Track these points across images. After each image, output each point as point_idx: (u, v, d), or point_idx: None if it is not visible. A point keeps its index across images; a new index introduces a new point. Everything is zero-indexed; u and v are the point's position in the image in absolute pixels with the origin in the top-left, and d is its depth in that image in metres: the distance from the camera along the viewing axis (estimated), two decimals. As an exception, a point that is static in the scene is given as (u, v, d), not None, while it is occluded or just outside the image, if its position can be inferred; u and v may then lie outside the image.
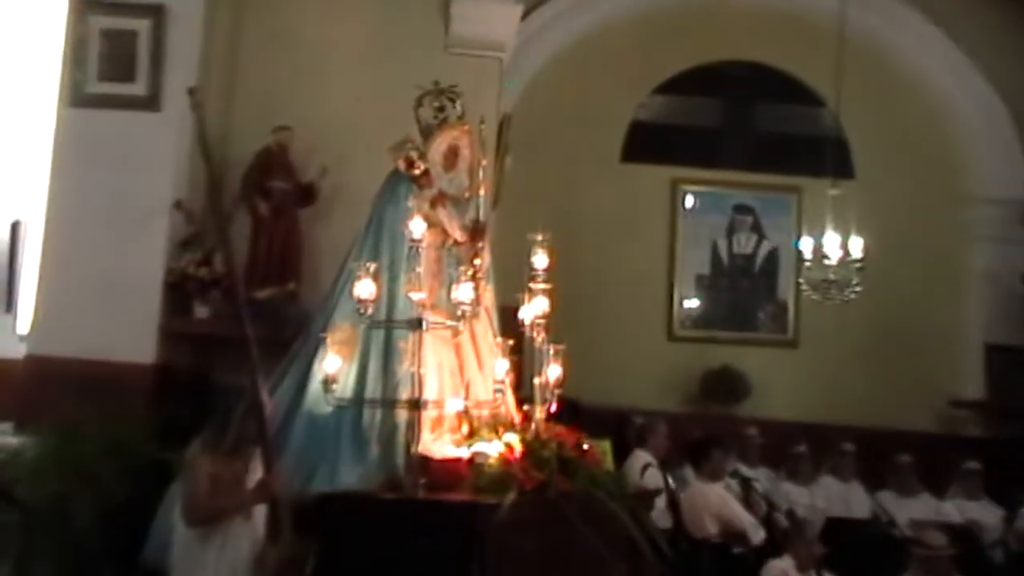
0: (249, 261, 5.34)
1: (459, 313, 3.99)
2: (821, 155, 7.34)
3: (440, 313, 4.21)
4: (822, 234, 6.79)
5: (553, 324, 4.26)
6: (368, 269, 3.93)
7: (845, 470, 6.78)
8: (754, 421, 7.24)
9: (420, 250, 3.95)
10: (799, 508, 6.33)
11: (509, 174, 6.20)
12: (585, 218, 7.67)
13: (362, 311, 3.92)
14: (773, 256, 8.10)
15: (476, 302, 4.16)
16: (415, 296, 3.96)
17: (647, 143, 8.03)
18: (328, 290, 4.50)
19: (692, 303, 8.04)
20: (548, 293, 4.21)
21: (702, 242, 8.04)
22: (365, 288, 3.90)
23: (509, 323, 4.35)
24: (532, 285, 4.22)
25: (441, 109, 4.55)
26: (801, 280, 7.05)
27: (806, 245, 6.93)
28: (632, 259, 7.82)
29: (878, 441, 7.03)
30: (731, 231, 8.11)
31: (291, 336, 4.58)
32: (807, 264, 6.91)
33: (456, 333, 4.24)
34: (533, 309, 4.21)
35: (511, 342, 4.09)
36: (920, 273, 7.83)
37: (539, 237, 4.22)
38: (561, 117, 7.79)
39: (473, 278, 4.12)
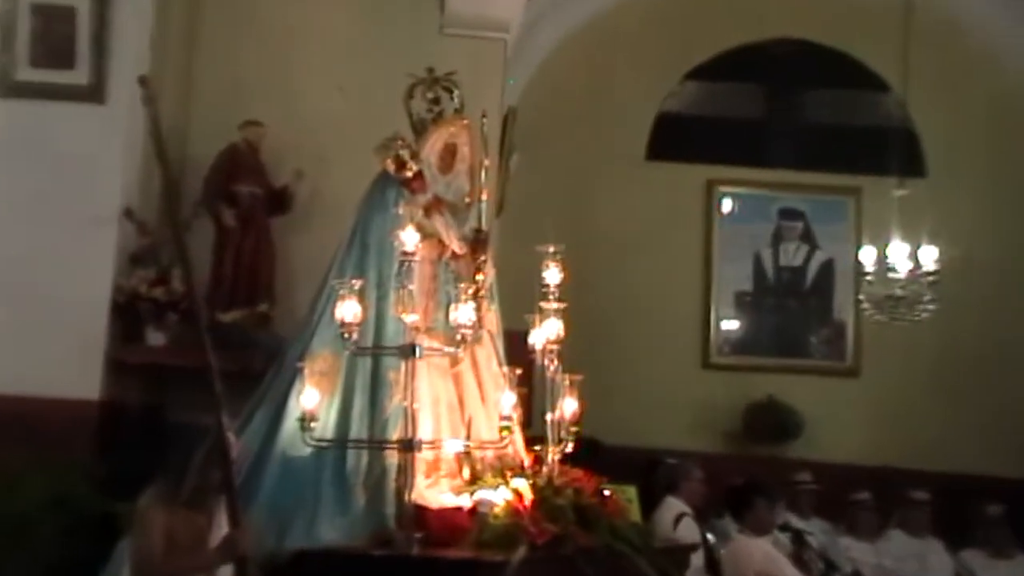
0: (212, 279, 5.42)
1: (458, 338, 4.05)
2: (885, 149, 7.40)
3: (436, 338, 4.28)
4: (886, 243, 6.83)
5: (568, 350, 4.33)
6: (352, 287, 4.00)
7: (918, 523, 6.79)
8: (807, 464, 7.30)
9: (413, 265, 4.00)
10: (863, 567, 6.36)
11: (515, 176, 6.30)
12: (604, 227, 7.77)
13: (345, 336, 3.98)
14: (827, 269, 8.17)
15: (478, 325, 4.22)
16: (407, 319, 4.02)
17: (677, 138, 8.13)
18: (305, 312, 4.57)
19: (731, 325, 8.11)
20: (562, 314, 4.28)
21: (743, 253, 8.13)
22: (349, 310, 3.96)
23: (517, 350, 4.43)
24: (543, 305, 4.28)
25: (436, 101, 4.65)
26: (861, 297, 7.09)
27: (867, 256, 6.97)
28: (660, 274, 7.90)
29: (958, 489, 7.04)
30: (777, 240, 8.19)
31: (262, 366, 4.66)
32: (869, 278, 6.95)
33: (455, 361, 4.32)
34: (545, 333, 4.27)
35: (519, 372, 4.13)
36: (1005, 288, 7.86)
37: (551, 249, 4.30)
38: (575, 109, 7.90)
39: (474, 297, 4.19)
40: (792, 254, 8.20)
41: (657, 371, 7.71)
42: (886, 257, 6.83)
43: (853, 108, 8.25)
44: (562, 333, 4.26)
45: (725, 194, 8.15)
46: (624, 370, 7.43)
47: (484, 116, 4.66)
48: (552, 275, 4.28)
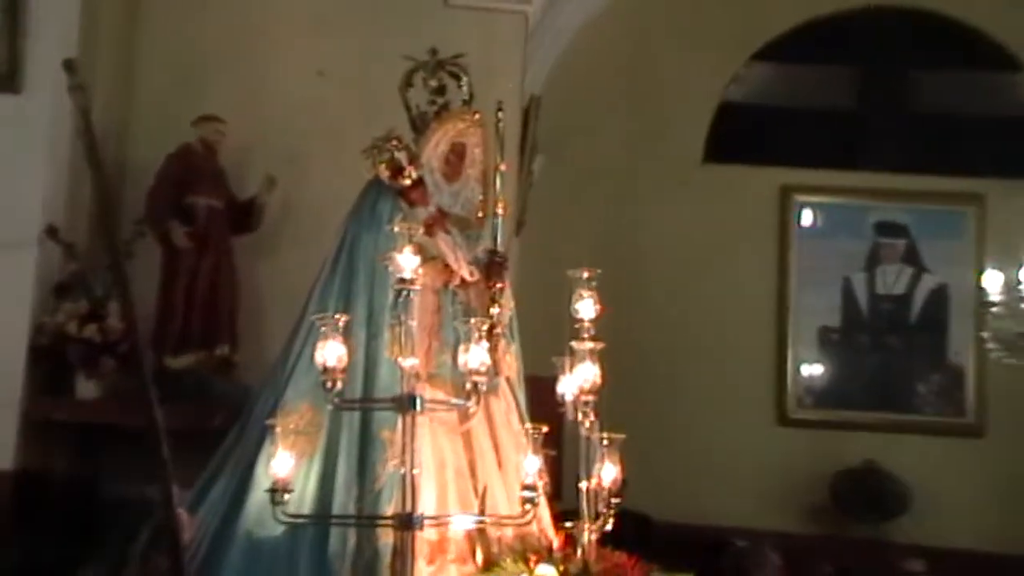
0: (159, 315, 5.49)
1: (469, 387, 3.98)
2: (1015, 146, 7.41)
3: (441, 387, 4.35)
4: (1018, 264, 6.80)
5: (608, 402, 4.32)
6: (336, 324, 3.96)
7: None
8: (918, 549, 7.28)
9: (412, 296, 3.95)
10: None
11: (539, 183, 6.33)
12: (652, 247, 7.84)
13: (328, 385, 3.92)
14: (940, 298, 8.18)
15: (493, 371, 4.26)
16: (405, 363, 3.97)
17: (744, 134, 8.20)
18: (278, 356, 4.63)
19: (815, 370, 8.14)
20: (599, 356, 4.26)
21: (829, 279, 8.16)
22: (332, 352, 3.91)
23: (543, 401, 4.45)
24: (575, 345, 4.26)
25: (440, 90, 4.74)
26: (986, 334, 7.04)
27: (992, 281, 6.94)
28: (723, 305, 7.95)
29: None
30: (873, 262, 8.22)
31: (222, 424, 4.74)
32: (994, 310, 6.93)
33: (465, 417, 4.34)
34: (577, 380, 4.26)
35: (546, 429, 4.11)
36: None
37: (584, 275, 4.27)
38: (614, 99, 7.97)
39: (489, 335, 4.17)
40: (893, 279, 8.21)
41: (721, 428, 7.73)
42: (1018, 283, 6.80)
43: (973, 93, 8.27)
44: (599, 380, 4.25)
45: (805, 204, 8.20)
46: (679, 427, 7.47)
47: (500, 109, 4.74)
48: (586, 307, 4.25)
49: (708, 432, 7.70)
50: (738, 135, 8.21)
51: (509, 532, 4.27)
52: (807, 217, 8.23)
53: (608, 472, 4.27)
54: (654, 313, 7.62)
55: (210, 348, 5.50)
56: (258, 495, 4.20)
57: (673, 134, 8.13)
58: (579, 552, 4.22)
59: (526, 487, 4.01)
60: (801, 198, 8.20)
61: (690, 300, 7.88)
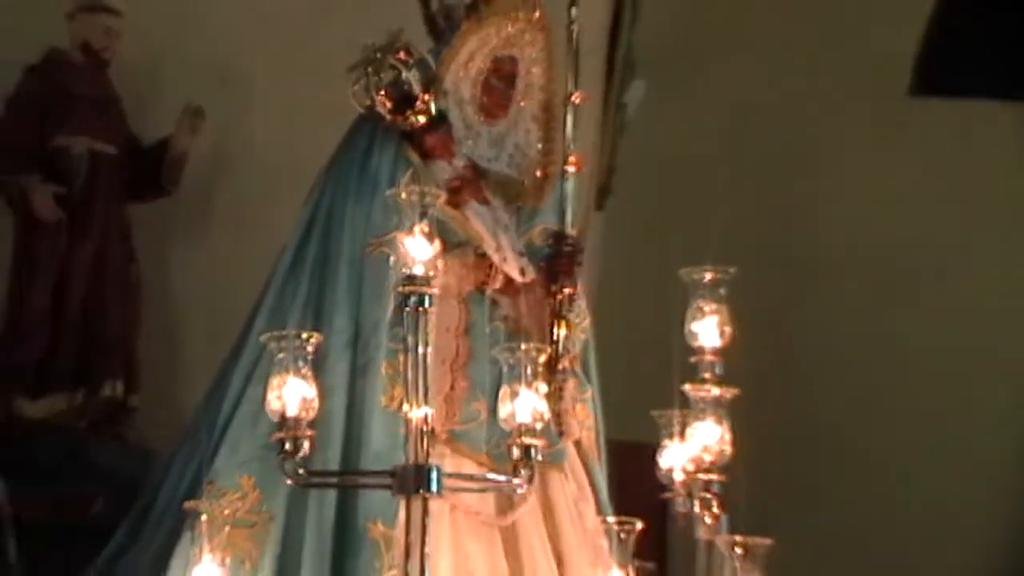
0: (7, 329, 5.78)
1: (516, 456, 3.98)
2: None
3: (471, 455, 4.57)
4: None
5: (746, 487, 4.39)
6: (301, 350, 3.99)
7: None
8: None
9: (426, 306, 3.95)
10: None
11: (637, 124, 6.37)
12: (825, 230, 7.97)
13: (286, 447, 3.95)
14: None
15: (557, 430, 4.50)
16: (412, 414, 4.00)
17: (989, 42, 8.25)
18: (202, 400, 4.85)
19: None
20: (732, 411, 4.31)
21: None
22: (293, 394, 3.95)
23: (636, 482, 4.53)
24: (691, 392, 4.30)
25: (475, -31, 4.88)
26: None
27: None
28: (961, 328, 8.01)
29: None
30: None
31: (107, 512, 4.98)
32: None
33: (509, 505, 4.54)
34: (693, 449, 4.31)
35: (640, 527, 4.20)
36: None
37: (707, 277, 4.29)
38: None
39: (549, 374, 4.42)
40: None
41: (948, 531, 7.71)
42: None
43: None
44: (730, 449, 4.30)
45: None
46: (877, 530, 7.32)
47: (575, 1, 4.87)
48: (707, 330, 4.30)
49: (929, 539, 7.64)
50: (978, 43, 8.28)
51: None
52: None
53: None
54: (833, 339, 7.67)
55: (90, 386, 5.69)
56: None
57: (856, 50, 8.18)
58: None
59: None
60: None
61: (900, 321, 7.93)
